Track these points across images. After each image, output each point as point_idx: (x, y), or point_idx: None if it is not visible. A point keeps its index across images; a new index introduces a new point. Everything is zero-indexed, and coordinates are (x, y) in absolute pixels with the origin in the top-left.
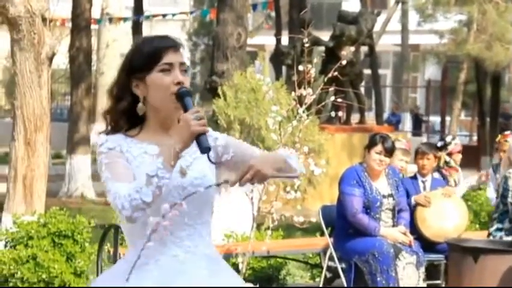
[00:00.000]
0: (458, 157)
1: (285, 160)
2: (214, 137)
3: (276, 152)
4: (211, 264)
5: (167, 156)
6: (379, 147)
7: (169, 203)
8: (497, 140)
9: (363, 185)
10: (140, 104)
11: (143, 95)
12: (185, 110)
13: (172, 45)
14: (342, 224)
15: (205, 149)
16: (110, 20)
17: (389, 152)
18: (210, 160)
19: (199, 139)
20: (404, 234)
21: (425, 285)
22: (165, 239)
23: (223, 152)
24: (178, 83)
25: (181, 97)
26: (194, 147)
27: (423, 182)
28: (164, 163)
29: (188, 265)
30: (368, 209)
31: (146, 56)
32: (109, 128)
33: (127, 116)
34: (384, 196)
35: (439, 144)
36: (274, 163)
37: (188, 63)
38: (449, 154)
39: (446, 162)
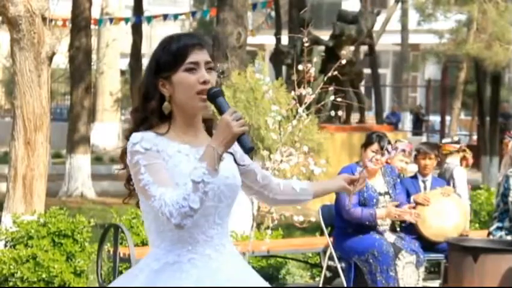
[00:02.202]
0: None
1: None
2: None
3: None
4: (239, 263)
5: (211, 160)
6: (375, 146)
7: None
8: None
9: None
10: (166, 103)
11: (169, 94)
12: (220, 110)
13: (197, 43)
14: (341, 224)
15: (249, 149)
16: (111, 20)
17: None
18: (235, 161)
19: (240, 139)
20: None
21: (425, 285)
22: (198, 238)
23: (240, 159)
24: (204, 82)
25: (214, 98)
26: None
27: (423, 181)
28: (209, 168)
29: (219, 263)
30: (364, 206)
31: (171, 55)
32: (137, 127)
33: (157, 115)
34: (380, 194)
35: (444, 141)
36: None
37: None
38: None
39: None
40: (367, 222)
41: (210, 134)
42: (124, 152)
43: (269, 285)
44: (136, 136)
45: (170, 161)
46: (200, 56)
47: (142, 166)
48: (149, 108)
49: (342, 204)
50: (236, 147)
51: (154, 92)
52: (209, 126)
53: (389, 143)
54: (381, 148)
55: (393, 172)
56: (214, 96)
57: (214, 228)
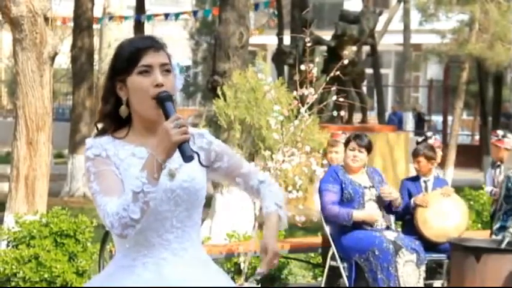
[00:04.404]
0: (439, 153)
1: (278, 219)
2: (209, 140)
3: (268, 212)
4: (200, 267)
5: (151, 169)
6: (352, 144)
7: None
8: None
9: (340, 180)
10: (123, 107)
11: (125, 97)
12: (166, 116)
13: (150, 45)
14: (336, 223)
15: (188, 158)
16: (111, 18)
17: (364, 147)
18: (200, 163)
19: (181, 148)
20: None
21: (426, 284)
22: (153, 241)
23: (216, 158)
24: (157, 85)
25: (161, 102)
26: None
27: (425, 182)
28: (149, 177)
29: (175, 267)
30: (351, 201)
31: (125, 58)
32: (97, 130)
33: (112, 119)
34: (365, 187)
35: (419, 139)
36: (277, 231)
37: (189, 62)
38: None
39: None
40: (344, 222)
41: None
42: None
43: None
44: (88, 142)
45: (121, 164)
46: (154, 58)
47: (91, 174)
48: (105, 112)
49: (322, 200)
50: (208, 146)
51: (110, 95)
52: None
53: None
54: (358, 145)
55: (376, 172)
56: (162, 99)
57: (172, 232)
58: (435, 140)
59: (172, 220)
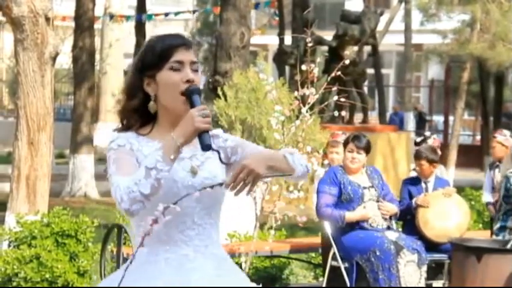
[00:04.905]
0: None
1: (283, 158)
2: (224, 139)
3: (276, 150)
4: (220, 265)
5: (168, 149)
6: (350, 146)
7: (168, 204)
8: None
9: (338, 181)
10: (151, 102)
11: (154, 93)
12: (192, 107)
13: (182, 43)
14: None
15: (206, 147)
16: (111, 17)
17: (363, 149)
18: (220, 160)
19: (201, 136)
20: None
21: (427, 284)
22: (175, 238)
23: (232, 153)
24: (188, 81)
25: (189, 95)
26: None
27: (425, 182)
28: (164, 156)
29: (197, 264)
30: (350, 202)
31: (156, 53)
32: (121, 125)
33: (139, 114)
34: (364, 187)
35: (418, 139)
36: (269, 161)
37: None
38: None
39: None
40: (336, 223)
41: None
42: None
43: None
44: (113, 134)
45: (144, 160)
46: (185, 56)
47: (112, 160)
48: (130, 107)
49: (317, 202)
50: (224, 144)
51: (137, 91)
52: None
53: (368, 142)
54: (356, 146)
55: (376, 171)
56: (190, 92)
57: (193, 228)
58: (434, 139)
59: (193, 217)
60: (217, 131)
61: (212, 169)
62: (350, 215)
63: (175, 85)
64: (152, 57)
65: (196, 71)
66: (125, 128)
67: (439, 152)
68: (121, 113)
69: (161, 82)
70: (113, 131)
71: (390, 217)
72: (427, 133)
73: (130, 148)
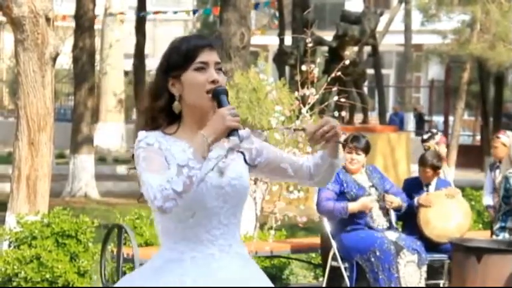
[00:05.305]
0: (443, 148)
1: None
2: (251, 140)
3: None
4: (244, 264)
5: (199, 147)
6: (349, 147)
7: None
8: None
9: (340, 180)
10: (176, 103)
11: (179, 93)
12: (220, 107)
13: (207, 44)
14: (337, 223)
15: (235, 145)
16: (111, 15)
17: (362, 149)
18: (246, 162)
19: (231, 135)
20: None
21: (428, 284)
22: (202, 237)
23: (257, 155)
24: (213, 82)
25: (217, 95)
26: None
27: (427, 183)
28: (195, 154)
29: (222, 263)
30: (356, 200)
31: (182, 54)
32: (147, 125)
33: (165, 114)
34: (366, 187)
35: (425, 136)
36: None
37: None
38: (437, 144)
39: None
40: (339, 215)
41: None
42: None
43: None
44: (141, 134)
45: (172, 160)
46: (210, 56)
47: (141, 158)
48: (157, 108)
49: (318, 198)
50: (250, 146)
51: (163, 91)
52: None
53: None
54: (355, 147)
55: (376, 170)
56: (218, 92)
57: (219, 228)
58: (441, 136)
59: (220, 216)
60: (245, 132)
61: (238, 170)
62: (353, 205)
63: (200, 86)
64: (178, 58)
65: (220, 70)
66: (152, 127)
67: (445, 149)
68: (146, 113)
69: (187, 82)
70: (141, 130)
71: (396, 210)
72: (434, 130)
73: (158, 147)
